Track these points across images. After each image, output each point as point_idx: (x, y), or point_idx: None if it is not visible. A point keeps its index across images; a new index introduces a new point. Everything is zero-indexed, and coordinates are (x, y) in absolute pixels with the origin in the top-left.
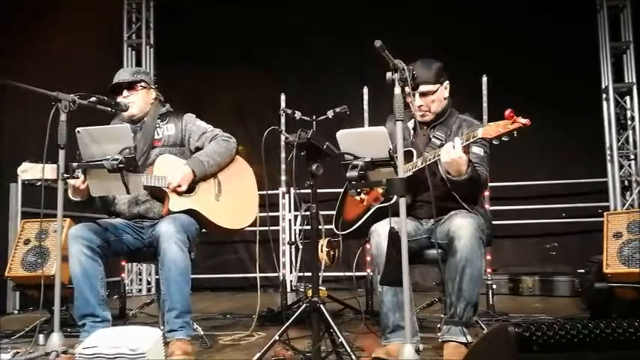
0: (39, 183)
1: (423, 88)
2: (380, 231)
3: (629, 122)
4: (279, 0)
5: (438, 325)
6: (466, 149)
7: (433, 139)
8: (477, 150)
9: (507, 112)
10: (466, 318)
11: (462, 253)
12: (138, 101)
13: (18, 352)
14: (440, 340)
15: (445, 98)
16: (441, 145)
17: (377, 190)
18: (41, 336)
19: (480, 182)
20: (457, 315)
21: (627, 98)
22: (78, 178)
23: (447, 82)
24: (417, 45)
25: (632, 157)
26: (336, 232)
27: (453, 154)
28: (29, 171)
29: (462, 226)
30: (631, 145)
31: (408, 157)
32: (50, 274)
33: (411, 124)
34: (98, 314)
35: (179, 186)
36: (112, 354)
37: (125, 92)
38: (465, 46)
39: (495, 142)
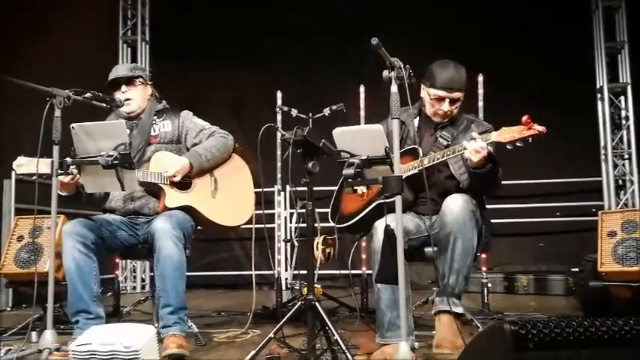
0: (34, 177)
1: (456, 94)
2: (381, 228)
3: (624, 122)
4: None
5: (431, 297)
6: None
7: (440, 139)
8: None
9: (524, 118)
10: (458, 289)
11: (452, 225)
12: (136, 97)
13: (10, 349)
14: (432, 312)
15: None
16: (447, 146)
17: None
18: (34, 333)
19: (499, 179)
20: (449, 286)
21: (622, 98)
22: (72, 174)
23: None
24: (414, 44)
25: (627, 156)
26: (333, 224)
27: (478, 145)
28: (25, 165)
29: (452, 200)
30: (625, 145)
31: (414, 154)
32: (43, 271)
33: (416, 121)
34: (91, 310)
35: (174, 176)
36: (106, 351)
37: (124, 87)
38: (461, 44)
39: (509, 147)
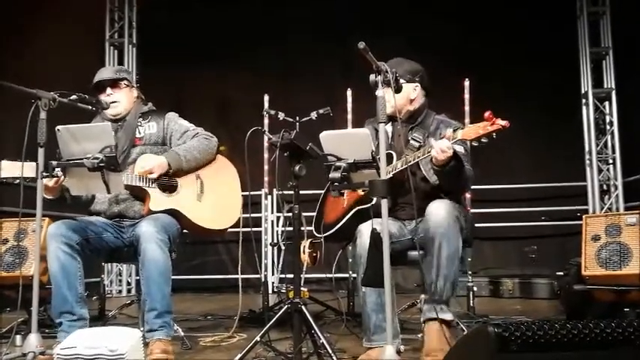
0: (17, 181)
1: None
2: (365, 231)
3: (608, 127)
4: (263, 0)
5: (419, 305)
6: None
7: (411, 141)
8: (458, 148)
9: (487, 113)
10: (446, 295)
11: (437, 230)
12: (121, 99)
13: None
14: (421, 320)
15: (412, 100)
16: (420, 147)
17: (357, 192)
18: (18, 337)
19: (466, 174)
20: (437, 293)
21: (606, 103)
22: (58, 177)
23: (418, 85)
24: (399, 46)
25: (611, 161)
26: (316, 234)
27: (444, 144)
28: (8, 169)
29: (436, 206)
30: (609, 150)
31: (388, 159)
32: (29, 275)
33: (389, 127)
34: (75, 312)
35: (151, 172)
36: (91, 354)
37: (109, 90)
38: (447, 48)
39: (475, 144)
